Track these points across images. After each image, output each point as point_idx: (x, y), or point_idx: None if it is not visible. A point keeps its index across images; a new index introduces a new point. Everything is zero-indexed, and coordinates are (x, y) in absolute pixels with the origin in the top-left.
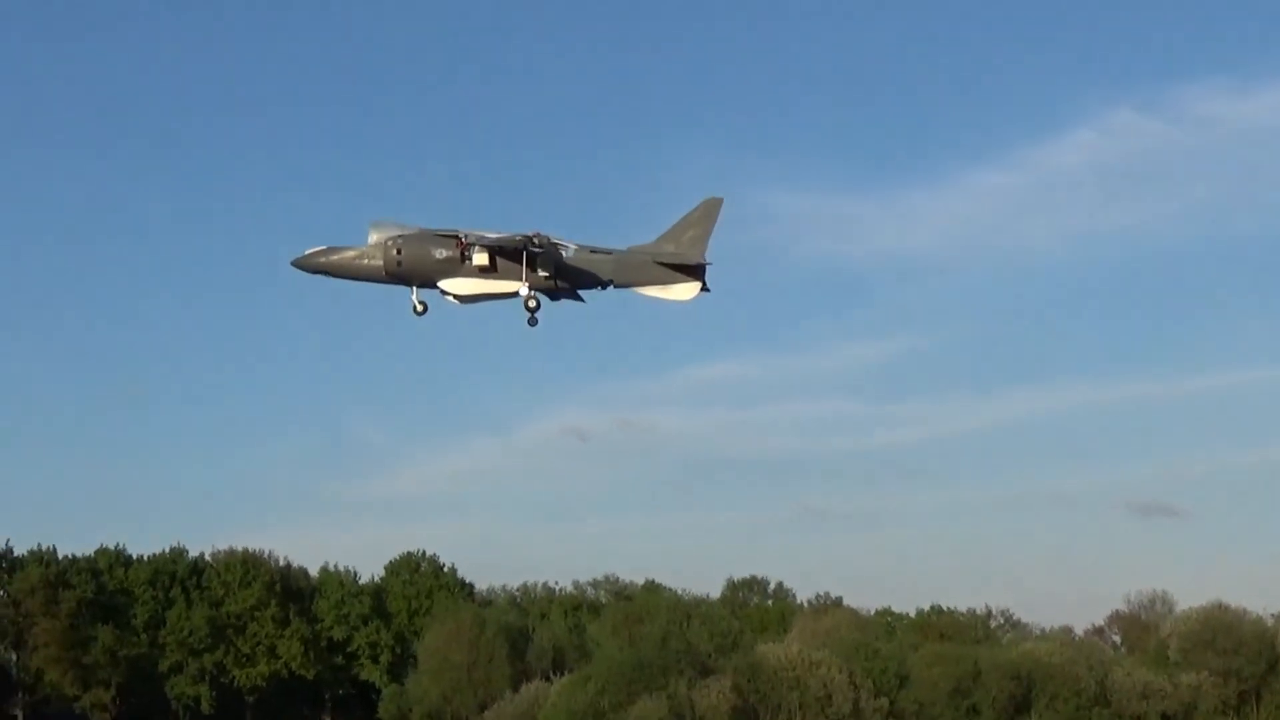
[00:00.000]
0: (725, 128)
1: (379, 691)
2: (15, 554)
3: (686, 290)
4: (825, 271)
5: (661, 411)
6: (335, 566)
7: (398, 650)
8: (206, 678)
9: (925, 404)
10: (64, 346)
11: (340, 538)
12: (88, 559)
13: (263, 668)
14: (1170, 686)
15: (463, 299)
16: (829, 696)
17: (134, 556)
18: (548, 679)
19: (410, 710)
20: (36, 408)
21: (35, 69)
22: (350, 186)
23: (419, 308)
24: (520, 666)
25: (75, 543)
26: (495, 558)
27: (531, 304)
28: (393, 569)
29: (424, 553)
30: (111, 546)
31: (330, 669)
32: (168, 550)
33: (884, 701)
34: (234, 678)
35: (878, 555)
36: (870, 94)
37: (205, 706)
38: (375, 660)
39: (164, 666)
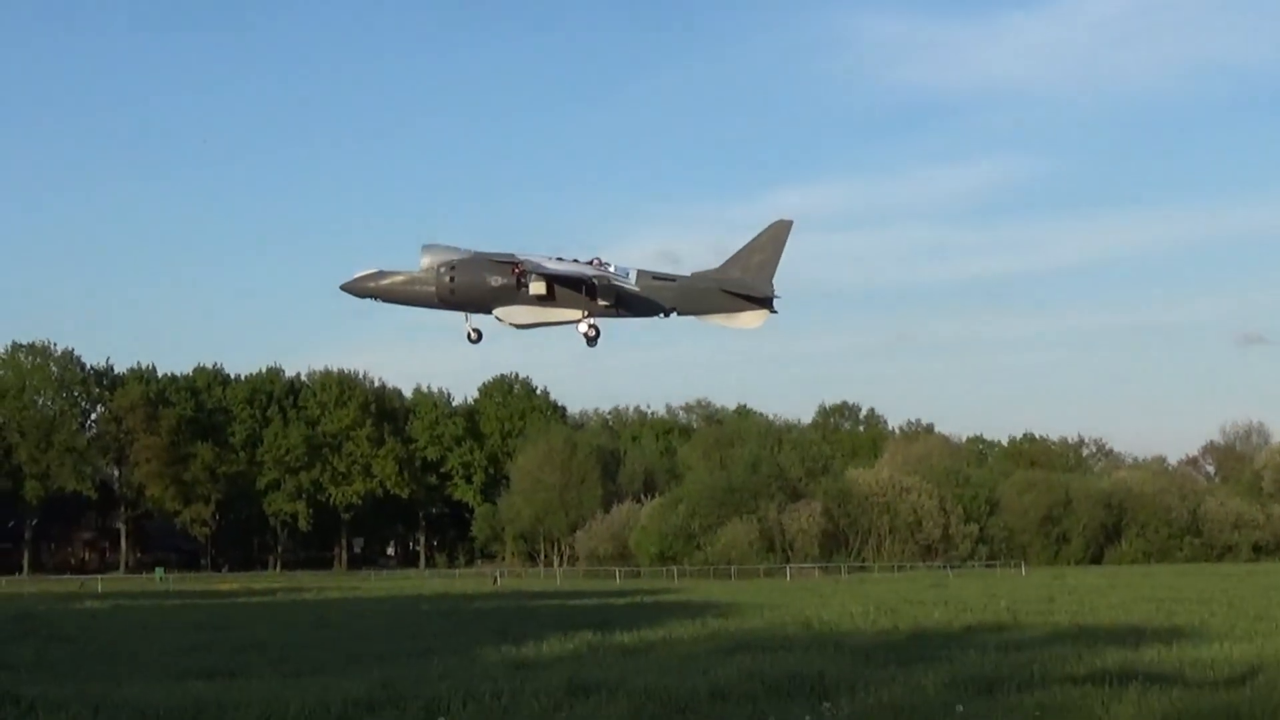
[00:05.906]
0: None
1: (472, 511)
2: (116, 372)
3: (753, 319)
4: (918, 98)
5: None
6: (429, 388)
7: (490, 471)
8: (303, 495)
9: (1023, 231)
10: (163, 171)
11: (434, 360)
12: (186, 378)
13: (358, 486)
14: (1263, 517)
15: (519, 327)
16: (919, 522)
17: (231, 376)
18: (639, 501)
19: (503, 530)
20: (137, 230)
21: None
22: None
23: (473, 335)
24: (611, 488)
25: (174, 362)
26: (588, 382)
27: (591, 334)
28: (486, 391)
29: (517, 375)
30: (209, 366)
31: (424, 488)
32: (264, 370)
33: (974, 528)
34: (330, 495)
35: (971, 383)
36: None
37: (302, 523)
38: (469, 480)
39: (261, 484)
